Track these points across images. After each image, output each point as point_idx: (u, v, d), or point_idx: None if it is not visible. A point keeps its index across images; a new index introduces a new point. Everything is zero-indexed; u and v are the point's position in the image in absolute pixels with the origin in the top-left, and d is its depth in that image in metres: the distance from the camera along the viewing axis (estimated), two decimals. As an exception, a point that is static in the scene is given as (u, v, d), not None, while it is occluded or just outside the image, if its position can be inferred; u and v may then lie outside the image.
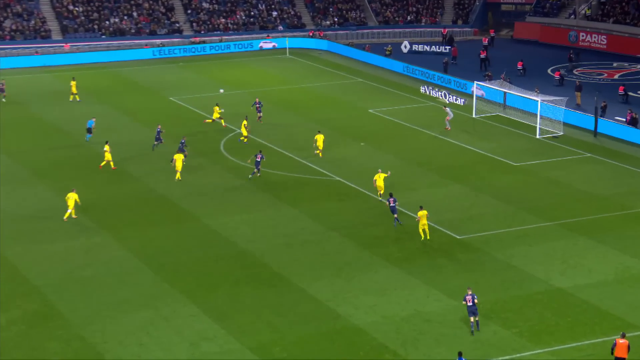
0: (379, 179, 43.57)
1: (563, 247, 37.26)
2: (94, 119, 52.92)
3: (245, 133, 51.59)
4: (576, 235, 38.44)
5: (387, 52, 77.90)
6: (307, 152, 50.48)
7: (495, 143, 52.32)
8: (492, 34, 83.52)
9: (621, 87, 62.39)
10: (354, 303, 32.62)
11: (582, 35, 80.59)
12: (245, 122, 52.06)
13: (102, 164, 46.73)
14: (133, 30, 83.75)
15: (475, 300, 30.31)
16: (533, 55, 77.39)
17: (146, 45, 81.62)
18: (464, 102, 60.89)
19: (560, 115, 54.98)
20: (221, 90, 56.32)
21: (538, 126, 53.81)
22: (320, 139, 49.41)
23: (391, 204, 40.48)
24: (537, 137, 53.52)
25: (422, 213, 38.05)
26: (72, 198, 40.10)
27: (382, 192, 42.66)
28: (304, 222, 40.47)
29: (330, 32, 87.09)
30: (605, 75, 70.63)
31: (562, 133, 53.94)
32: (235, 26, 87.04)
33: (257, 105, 57.20)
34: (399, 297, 32.97)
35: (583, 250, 36.96)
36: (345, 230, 39.37)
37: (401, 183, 45.23)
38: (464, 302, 30.68)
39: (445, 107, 57.02)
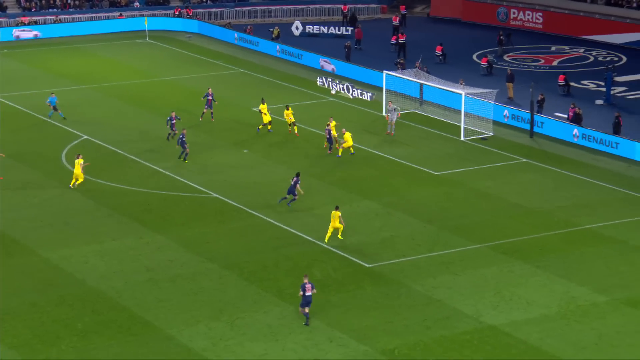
0: (349, 139, 50.33)
1: (496, 274, 38.36)
2: (53, 94, 56.60)
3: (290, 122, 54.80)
4: (511, 260, 39.63)
5: (274, 35, 78.52)
6: (174, 162, 50.34)
7: (411, 148, 53.39)
8: (404, 11, 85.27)
9: (561, 76, 64.80)
10: (238, 352, 32.69)
11: (514, 13, 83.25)
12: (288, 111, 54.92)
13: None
14: None
15: (314, 291, 34.30)
16: (455, 38, 79.40)
17: (-44, 26, 79.59)
18: (371, 97, 61.94)
19: (489, 111, 56.66)
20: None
21: (462, 126, 55.28)
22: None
23: (292, 184, 43.46)
24: (462, 139, 54.97)
25: (335, 213, 40.57)
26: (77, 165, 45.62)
27: (351, 149, 50.40)
28: (173, 251, 40.32)
29: (201, 10, 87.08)
30: (543, 61, 73.20)
31: (491, 134, 55.56)
32: (77, 2, 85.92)
33: (209, 97, 56.83)
34: (295, 343, 33.23)
35: (520, 278, 38.13)
36: (225, 260, 39.45)
37: (296, 200, 45.58)
38: (300, 294, 34.19)
39: (390, 103, 56.61)
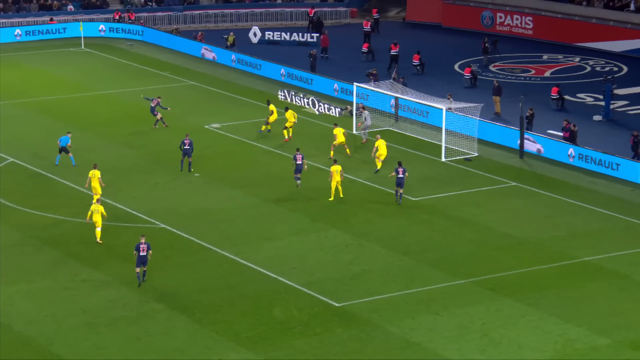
0: (382, 146, 52.33)
1: (482, 314, 38.50)
2: (69, 134, 53.90)
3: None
4: (500, 298, 39.79)
5: (229, 43, 78.65)
6: (113, 188, 50.13)
7: (385, 170, 53.54)
8: (376, 15, 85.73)
9: (555, 89, 65.38)
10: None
11: (500, 17, 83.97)
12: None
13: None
14: None
15: (150, 252, 39.60)
16: (434, 45, 79.91)
17: None
18: (340, 113, 62.13)
19: (473, 129, 57.00)
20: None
21: (443, 145, 55.56)
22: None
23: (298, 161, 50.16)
24: (443, 160, 55.24)
25: (336, 168, 47.96)
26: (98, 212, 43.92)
27: (382, 160, 52.06)
28: (114, 291, 40.13)
29: (145, 14, 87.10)
30: (533, 72, 73.83)
31: (476, 154, 55.88)
32: (0, 4, 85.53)
33: (153, 104, 58.83)
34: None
35: (510, 317, 38.29)
36: (174, 301, 39.30)
37: (253, 230, 45.58)
38: (135, 253, 39.27)
39: (363, 109, 57.27)
